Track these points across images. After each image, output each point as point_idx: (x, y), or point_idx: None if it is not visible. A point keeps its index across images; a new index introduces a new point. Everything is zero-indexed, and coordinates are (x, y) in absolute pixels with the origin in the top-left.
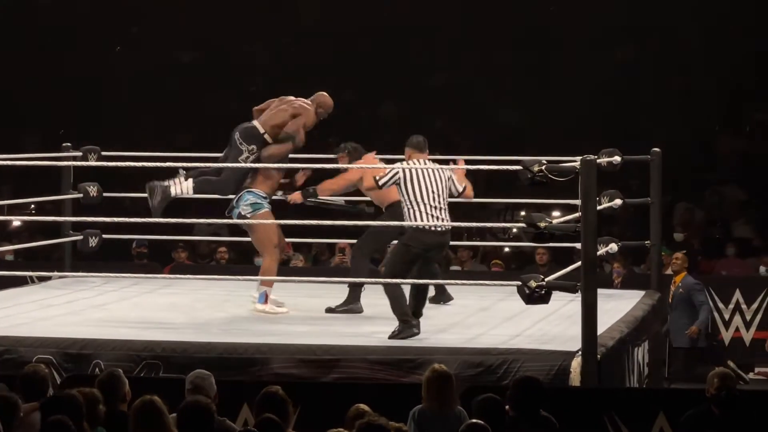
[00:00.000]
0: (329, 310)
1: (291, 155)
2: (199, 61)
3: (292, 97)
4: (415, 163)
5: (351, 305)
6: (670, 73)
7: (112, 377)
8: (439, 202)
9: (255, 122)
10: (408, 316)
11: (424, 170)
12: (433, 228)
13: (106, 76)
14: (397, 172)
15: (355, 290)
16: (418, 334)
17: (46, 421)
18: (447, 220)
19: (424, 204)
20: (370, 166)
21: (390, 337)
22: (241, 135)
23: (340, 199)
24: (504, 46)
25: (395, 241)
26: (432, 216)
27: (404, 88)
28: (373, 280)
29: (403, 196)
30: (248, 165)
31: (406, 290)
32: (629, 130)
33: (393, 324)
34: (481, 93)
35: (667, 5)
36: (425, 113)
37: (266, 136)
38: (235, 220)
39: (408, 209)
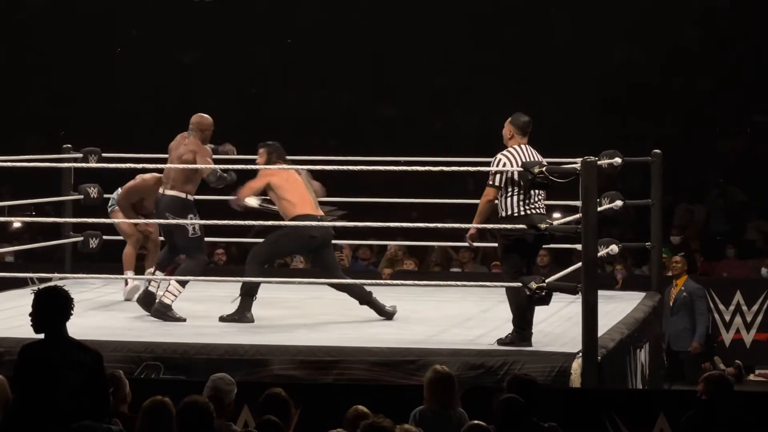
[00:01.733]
0: (221, 319)
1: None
2: (200, 62)
3: (176, 143)
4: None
5: (242, 314)
6: (671, 73)
7: (113, 378)
8: None
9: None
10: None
11: None
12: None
13: (106, 78)
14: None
15: (248, 300)
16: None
17: None
18: None
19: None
20: (278, 167)
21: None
22: (170, 211)
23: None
24: (500, 46)
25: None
26: None
27: (404, 90)
28: (376, 281)
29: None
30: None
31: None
32: (628, 130)
33: (391, 326)
34: (479, 94)
35: (667, 4)
36: (425, 115)
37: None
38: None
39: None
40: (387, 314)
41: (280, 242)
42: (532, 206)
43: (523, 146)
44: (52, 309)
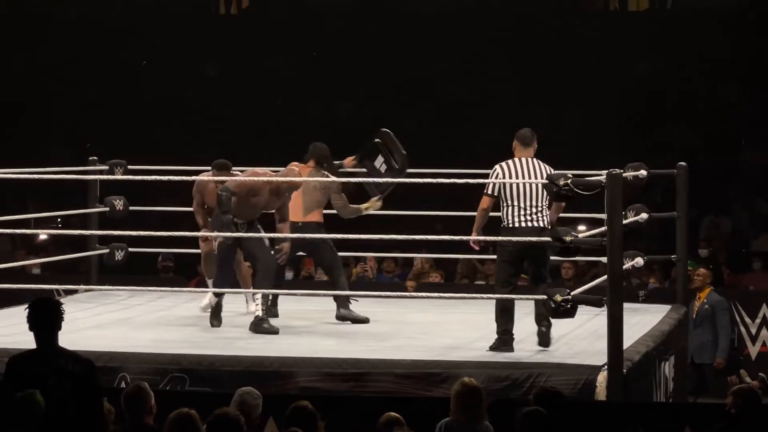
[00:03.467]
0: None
1: None
2: (225, 74)
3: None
4: (514, 163)
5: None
6: (696, 83)
7: (138, 390)
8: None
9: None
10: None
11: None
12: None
13: (132, 90)
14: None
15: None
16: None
17: None
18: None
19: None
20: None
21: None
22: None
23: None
24: (526, 56)
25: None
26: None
27: (427, 101)
28: (401, 294)
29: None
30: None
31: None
32: (654, 142)
33: (417, 338)
34: (504, 103)
35: (692, 15)
36: (447, 124)
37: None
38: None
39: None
40: (361, 320)
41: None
42: (529, 218)
43: (522, 159)
44: (40, 320)
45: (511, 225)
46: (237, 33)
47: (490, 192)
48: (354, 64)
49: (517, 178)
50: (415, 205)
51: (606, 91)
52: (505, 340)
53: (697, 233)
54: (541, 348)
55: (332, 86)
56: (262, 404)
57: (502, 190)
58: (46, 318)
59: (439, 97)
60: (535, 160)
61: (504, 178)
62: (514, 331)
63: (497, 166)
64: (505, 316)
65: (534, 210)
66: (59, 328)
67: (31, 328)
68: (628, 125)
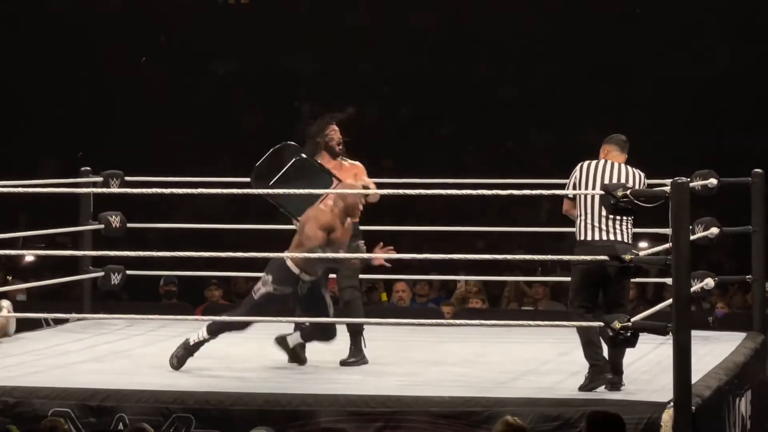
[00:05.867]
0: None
1: None
2: (237, 73)
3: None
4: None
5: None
6: None
7: None
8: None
9: None
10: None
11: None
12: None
13: (130, 91)
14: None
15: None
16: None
17: None
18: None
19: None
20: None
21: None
22: None
23: None
24: (578, 52)
25: None
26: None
27: (467, 103)
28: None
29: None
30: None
31: None
32: (726, 147)
33: (455, 371)
34: (555, 107)
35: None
36: (489, 131)
37: None
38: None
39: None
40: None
41: None
42: (604, 230)
43: (608, 162)
44: None
45: (582, 238)
46: (250, 26)
47: (570, 195)
48: (383, 60)
49: (594, 181)
50: (454, 220)
51: (672, 89)
52: (597, 371)
53: None
54: None
55: (361, 86)
56: None
57: (577, 196)
58: None
59: (482, 98)
60: (627, 166)
61: (579, 179)
62: (571, 361)
63: (578, 166)
64: (591, 346)
65: (610, 219)
66: None
67: None
68: (698, 128)
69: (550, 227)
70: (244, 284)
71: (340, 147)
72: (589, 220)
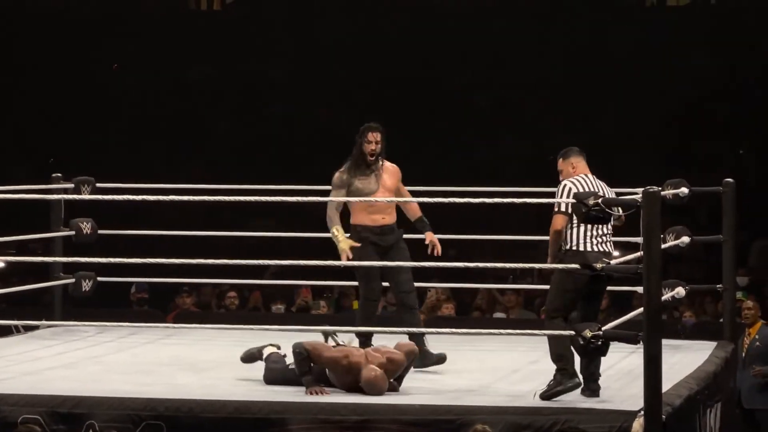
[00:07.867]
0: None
1: None
2: (209, 78)
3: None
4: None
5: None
6: (748, 88)
7: None
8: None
9: None
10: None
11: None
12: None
13: (101, 97)
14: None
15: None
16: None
17: None
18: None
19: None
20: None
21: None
22: None
23: None
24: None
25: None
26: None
27: (441, 110)
28: (407, 330)
29: None
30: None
31: None
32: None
33: (426, 379)
34: (531, 115)
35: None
36: (467, 139)
37: None
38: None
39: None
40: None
41: None
42: (601, 241)
43: (591, 176)
44: None
45: (575, 248)
46: (222, 32)
47: (563, 209)
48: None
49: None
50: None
51: (643, 97)
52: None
53: (746, 260)
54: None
55: (336, 93)
56: None
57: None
58: None
59: (455, 106)
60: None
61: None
62: (543, 370)
63: (568, 183)
64: (561, 357)
65: (604, 231)
66: None
67: None
68: (669, 136)
69: (521, 235)
70: (213, 291)
71: (372, 157)
72: (588, 232)
